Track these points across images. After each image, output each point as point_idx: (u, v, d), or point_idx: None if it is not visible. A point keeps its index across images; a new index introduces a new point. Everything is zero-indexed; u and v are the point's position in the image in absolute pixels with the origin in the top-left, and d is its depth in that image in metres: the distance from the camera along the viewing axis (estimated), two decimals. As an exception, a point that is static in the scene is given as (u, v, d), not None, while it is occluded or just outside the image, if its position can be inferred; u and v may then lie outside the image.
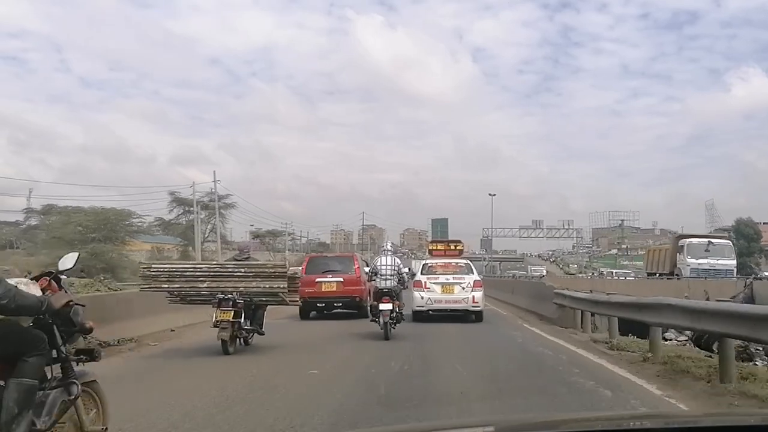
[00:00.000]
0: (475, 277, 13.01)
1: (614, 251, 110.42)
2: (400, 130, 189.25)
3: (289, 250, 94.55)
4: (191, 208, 50.26)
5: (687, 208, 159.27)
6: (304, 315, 13.25)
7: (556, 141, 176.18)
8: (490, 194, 67.52)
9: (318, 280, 13.11)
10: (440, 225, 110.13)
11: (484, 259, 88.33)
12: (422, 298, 12.56)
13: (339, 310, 13.32)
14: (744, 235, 71.69)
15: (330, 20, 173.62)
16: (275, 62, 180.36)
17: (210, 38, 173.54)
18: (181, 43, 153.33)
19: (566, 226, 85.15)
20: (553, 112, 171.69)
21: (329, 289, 13.14)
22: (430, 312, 12.55)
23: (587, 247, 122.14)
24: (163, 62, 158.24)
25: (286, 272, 7.90)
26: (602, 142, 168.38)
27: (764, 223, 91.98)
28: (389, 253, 10.34)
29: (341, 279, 12.97)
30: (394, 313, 9.23)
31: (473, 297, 12.52)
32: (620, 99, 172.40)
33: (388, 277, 9.67)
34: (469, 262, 14.28)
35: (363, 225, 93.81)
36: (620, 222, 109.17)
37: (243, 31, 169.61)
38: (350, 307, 12.99)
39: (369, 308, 10.03)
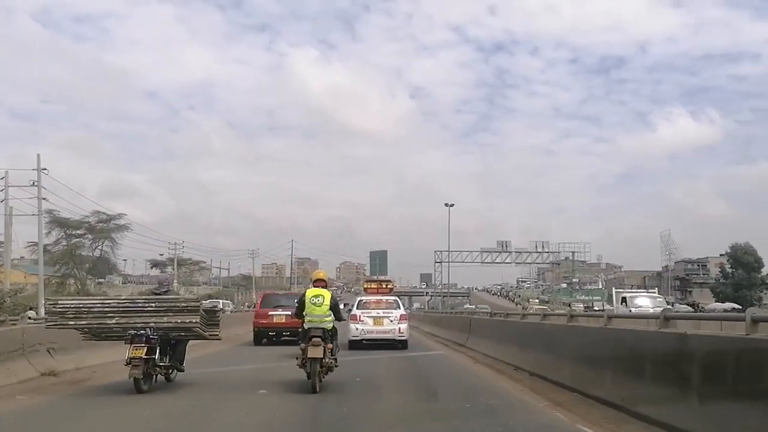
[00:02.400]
0: (402, 312, 16.96)
1: (563, 285, 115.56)
2: (341, 166, 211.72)
3: (205, 283, 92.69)
4: (77, 231, 47.85)
5: (626, 242, 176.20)
6: (257, 341, 18.13)
7: (493, 179, 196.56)
8: (446, 204, 62.53)
9: (270, 313, 17.94)
10: (379, 258, 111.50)
11: (427, 294, 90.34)
12: (357, 329, 16.19)
13: (286, 338, 17.44)
14: (742, 264, 70.48)
15: (270, 56, 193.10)
16: (214, 97, 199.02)
17: (148, 72, 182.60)
18: (117, 75, 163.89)
19: (539, 249, 79.38)
20: (490, 151, 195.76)
21: (279, 321, 17.58)
22: (364, 341, 16.01)
23: (533, 281, 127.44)
24: (97, 95, 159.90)
25: (199, 306, 8.61)
26: (537, 180, 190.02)
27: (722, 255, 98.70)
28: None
29: (289, 313, 14.96)
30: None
31: (399, 328, 16.40)
32: (554, 139, 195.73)
33: None
34: (397, 299, 18.28)
35: (292, 255, 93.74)
36: (571, 254, 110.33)
37: (182, 65, 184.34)
38: (295, 335, 14.50)
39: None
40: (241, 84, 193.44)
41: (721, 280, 76.64)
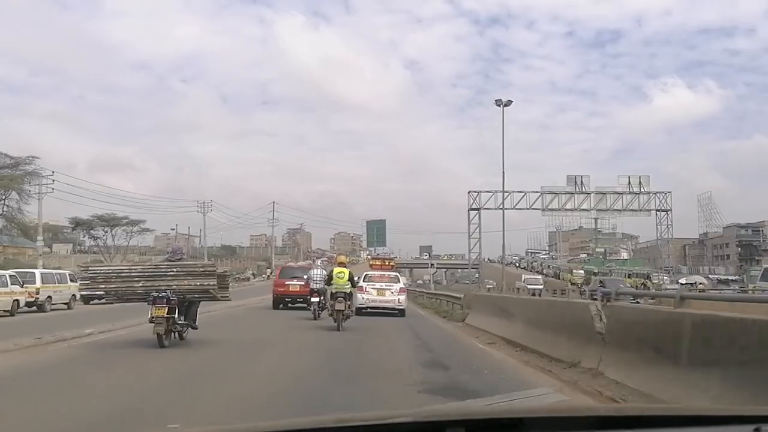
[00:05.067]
0: (401, 285, 22.90)
1: (584, 255, 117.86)
2: (335, 140, 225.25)
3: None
4: None
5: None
6: (276, 306, 24.33)
7: (488, 153, 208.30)
8: (499, 103, 48.78)
9: (287, 282, 24.40)
10: (377, 228, 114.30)
11: (432, 265, 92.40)
12: (363, 298, 21.06)
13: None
14: None
15: (263, 29, 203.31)
16: (206, 70, 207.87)
17: (138, 43, 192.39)
18: (107, 47, 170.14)
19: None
20: (485, 125, 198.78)
21: (294, 290, 23.66)
22: (368, 308, 21.22)
23: (543, 252, 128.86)
24: (87, 67, 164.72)
25: (215, 271, 11.12)
26: (532, 155, 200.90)
27: None
28: (320, 267, 20.43)
29: (303, 282, 21.70)
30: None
31: (399, 299, 21.90)
32: (549, 113, 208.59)
33: (318, 281, 18.47)
34: (398, 274, 26.11)
35: (273, 218, 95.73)
36: (594, 220, 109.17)
37: (172, 37, 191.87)
38: (306, 302, 20.74)
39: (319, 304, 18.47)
40: (233, 56, 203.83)
41: None
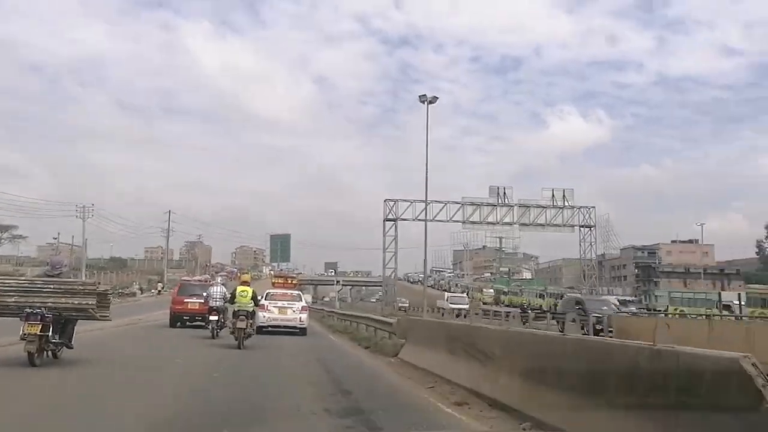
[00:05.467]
0: (303, 304, 23.16)
1: (488, 274, 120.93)
2: (243, 154, 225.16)
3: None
4: None
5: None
6: (173, 324, 23.84)
7: (396, 171, 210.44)
8: (423, 100, 46.61)
9: (186, 300, 23.96)
10: (281, 242, 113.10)
11: (338, 282, 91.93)
12: (264, 316, 21.08)
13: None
14: None
15: (168, 35, 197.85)
16: (105, 74, 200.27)
17: (32, 43, 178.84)
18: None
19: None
20: (392, 144, 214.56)
21: (193, 308, 23.38)
22: (269, 327, 21.43)
23: (447, 270, 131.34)
24: None
25: (95, 289, 10.62)
26: (439, 174, 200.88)
27: (674, 242, 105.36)
28: (219, 284, 21.15)
29: (202, 300, 21.62)
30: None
31: (300, 318, 22.22)
32: (454, 135, 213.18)
33: (218, 299, 19.24)
34: (300, 293, 25.54)
35: (169, 228, 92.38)
36: (498, 239, 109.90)
37: (70, 39, 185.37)
38: (205, 320, 20.86)
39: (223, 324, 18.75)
40: (135, 62, 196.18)
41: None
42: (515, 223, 62.70)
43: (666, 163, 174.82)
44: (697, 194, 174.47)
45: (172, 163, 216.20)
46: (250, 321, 15.92)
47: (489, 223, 62.13)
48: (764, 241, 66.44)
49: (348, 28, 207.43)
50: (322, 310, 44.08)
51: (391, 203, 59.34)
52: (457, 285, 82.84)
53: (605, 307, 27.81)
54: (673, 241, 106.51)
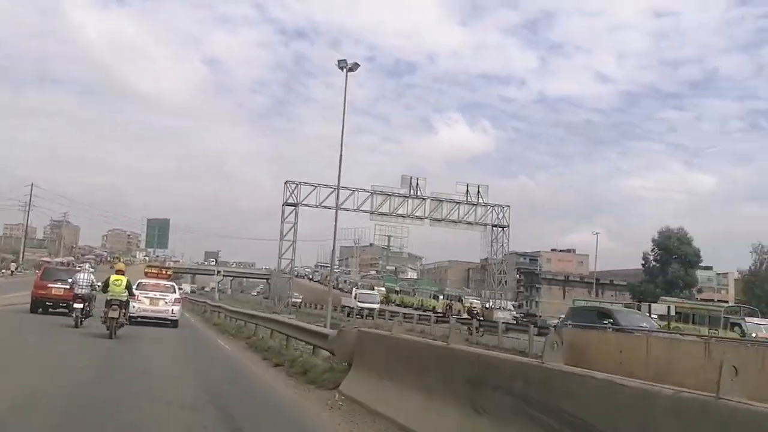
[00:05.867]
0: (176, 296, 22.65)
1: (373, 272, 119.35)
2: (122, 131, 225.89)
3: None
4: None
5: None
6: (34, 309, 22.11)
7: (285, 164, 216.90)
8: (342, 66, 37.97)
9: (50, 285, 22.29)
10: (159, 227, 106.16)
11: (219, 273, 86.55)
12: (134, 307, 19.87)
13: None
14: (675, 256, 65.01)
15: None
16: None
17: None
18: None
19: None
20: (284, 136, 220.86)
21: (58, 293, 21.64)
22: (139, 318, 20.65)
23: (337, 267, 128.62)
24: None
25: None
26: (329, 171, 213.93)
27: (554, 250, 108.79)
28: (87, 271, 20.01)
29: (67, 286, 19.70)
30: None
31: (172, 310, 21.79)
32: (346, 133, 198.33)
33: (84, 287, 17.80)
34: (174, 284, 24.31)
35: (30, 202, 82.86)
36: (387, 238, 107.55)
37: None
38: (69, 308, 19.28)
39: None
40: (5, 22, 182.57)
41: (644, 277, 70.82)
42: (426, 218, 57.15)
43: (540, 176, 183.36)
44: (566, 208, 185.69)
45: (44, 134, 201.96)
46: (123, 311, 15.81)
47: (399, 215, 56.80)
48: (650, 253, 68.47)
49: (245, 12, 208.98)
50: (206, 303, 39.50)
51: (292, 186, 53.12)
52: (346, 282, 79.74)
53: (645, 324, 18.84)
54: (552, 250, 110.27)
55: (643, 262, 69.47)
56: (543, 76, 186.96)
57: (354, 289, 57.94)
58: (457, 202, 56.90)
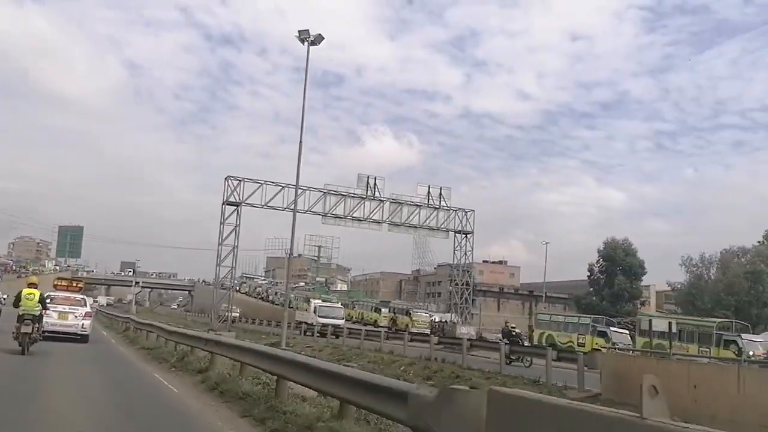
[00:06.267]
0: (87, 309, 21.83)
1: (302, 284, 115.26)
2: (31, 135, 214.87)
3: None
4: None
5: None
6: None
7: (207, 173, 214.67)
8: (302, 37, 37.00)
9: None
10: (71, 235, 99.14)
11: (137, 284, 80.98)
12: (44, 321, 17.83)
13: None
14: (621, 268, 64.36)
15: None
16: None
17: None
18: None
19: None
20: (206, 144, 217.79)
21: None
22: (47, 332, 18.36)
23: (260, 277, 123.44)
24: None
25: None
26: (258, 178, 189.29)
27: (486, 262, 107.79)
28: None
29: None
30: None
31: (83, 324, 20.90)
32: (272, 142, 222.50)
33: None
34: (85, 297, 23.27)
35: None
36: (317, 248, 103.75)
37: None
38: None
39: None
40: None
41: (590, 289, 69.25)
42: (385, 222, 50.41)
43: (463, 189, 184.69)
44: (486, 220, 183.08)
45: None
46: (37, 325, 15.41)
47: (355, 218, 49.43)
48: (595, 265, 67.34)
49: (169, 16, 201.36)
50: (129, 319, 33.94)
51: (234, 182, 46.16)
52: (276, 294, 75.26)
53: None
54: (484, 261, 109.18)
55: (589, 274, 68.24)
56: (468, 92, 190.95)
57: (313, 301, 52.06)
58: (418, 205, 50.89)
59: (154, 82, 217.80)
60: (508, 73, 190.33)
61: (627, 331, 36.51)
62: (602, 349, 25.79)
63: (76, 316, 20.67)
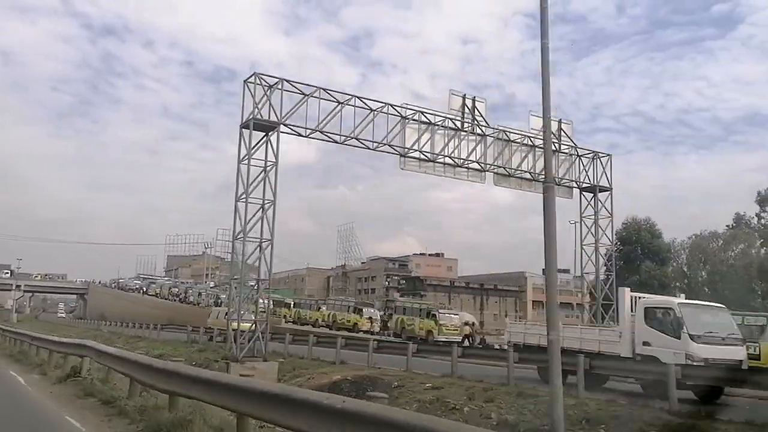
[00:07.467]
0: None
1: (211, 283, 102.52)
2: None
3: None
4: None
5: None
6: None
7: (89, 168, 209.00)
8: None
9: None
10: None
11: (18, 287, 65.98)
12: None
13: None
14: (647, 249, 55.01)
15: None
16: None
17: None
18: None
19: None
20: (87, 139, 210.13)
21: None
22: None
23: (159, 277, 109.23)
24: None
25: None
26: (138, 177, 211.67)
27: (422, 254, 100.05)
28: None
29: None
30: None
31: None
32: (158, 138, 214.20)
33: None
34: None
35: None
36: (231, 245, 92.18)
37: None
38: None
39: None
40: None
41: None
42: (489, 168, 28.43)
43: (359, 187, 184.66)
44: (380, 217, 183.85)
45: None
46: None
47: (452, 159, 27.27)
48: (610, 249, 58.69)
49: (46, 3, 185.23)
50: (27, 337, 21.45)
51: (265, 86, 24.11)
52: (200, 294, 62.23)
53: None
54: (421, 254, 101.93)
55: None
56: (363, 92, 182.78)
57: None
58: (533, 146, 29.37)
59: (29, 72, 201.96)
60: (402, 74, 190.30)
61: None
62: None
63: None
